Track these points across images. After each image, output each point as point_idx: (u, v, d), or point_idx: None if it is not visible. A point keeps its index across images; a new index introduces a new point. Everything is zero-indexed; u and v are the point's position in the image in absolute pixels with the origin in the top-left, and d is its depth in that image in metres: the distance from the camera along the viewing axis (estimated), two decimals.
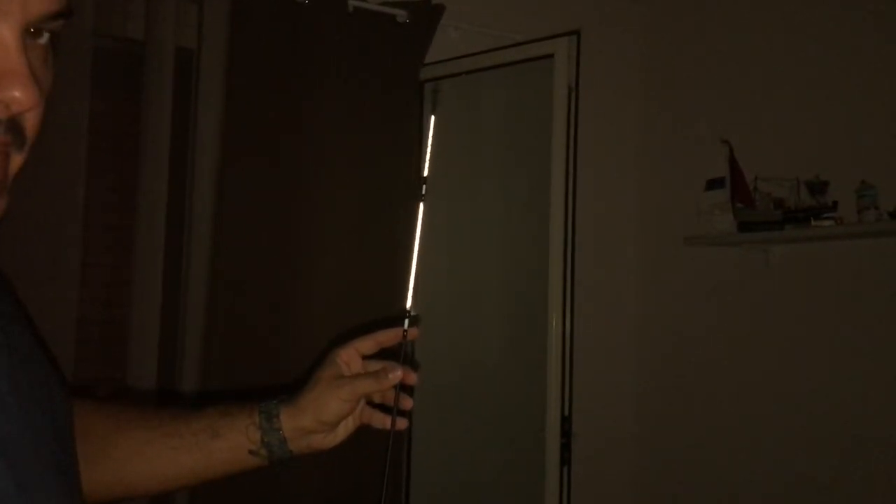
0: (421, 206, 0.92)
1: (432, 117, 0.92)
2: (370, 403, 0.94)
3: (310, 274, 2.19)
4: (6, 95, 0.51)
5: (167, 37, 2.04)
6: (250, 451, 0.86)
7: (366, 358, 0.93)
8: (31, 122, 0.54)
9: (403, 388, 0.92)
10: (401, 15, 2.32)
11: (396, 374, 0.89)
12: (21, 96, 0.51)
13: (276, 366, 2.11)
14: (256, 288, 2.13)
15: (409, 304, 0.93)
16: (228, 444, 0.86)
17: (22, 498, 0.55)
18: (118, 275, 2.12)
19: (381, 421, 0.93)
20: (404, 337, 0.92)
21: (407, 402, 0.92)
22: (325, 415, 0.88)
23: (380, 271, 2.26)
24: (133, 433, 0.83)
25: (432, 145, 0.91)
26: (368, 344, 0.93)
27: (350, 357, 0.92)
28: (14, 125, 0.53)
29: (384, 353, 0.95)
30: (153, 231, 2.01)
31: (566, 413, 2.14)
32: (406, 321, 0.91)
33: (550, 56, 2.22)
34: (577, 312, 2.18)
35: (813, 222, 2.08)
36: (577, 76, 2.20)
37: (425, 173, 0.93)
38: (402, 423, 0.92)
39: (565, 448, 2.14)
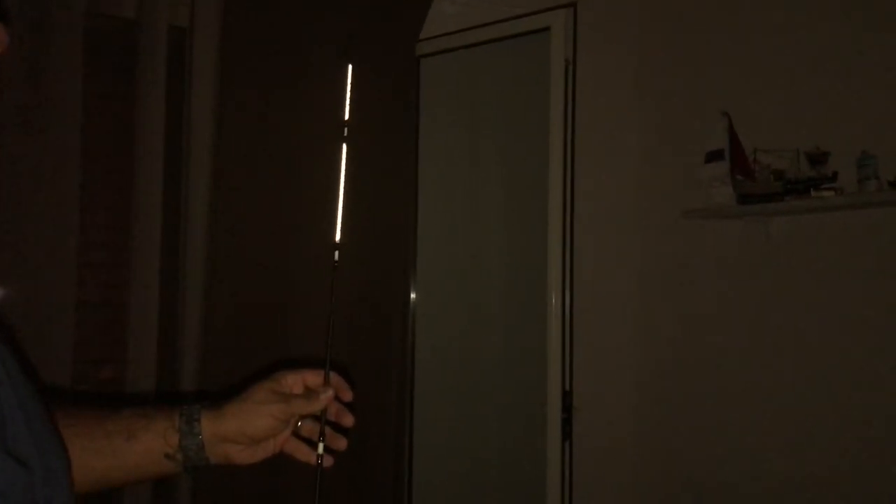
0: (343, 147, 1.00)
1: (350, 66, 0.99)
2: (297, 436, 0.93)
3: (308, 255, 2.18)
4: None
5: (160, 16, 2.02)
6: (166, 455, 0.84)
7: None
8: None
9: (338, 428, 0.92)
10: None
11: (328, 394, 0.90)
12: None
13: (276, 346, 2.11)
14: (254, 268, 2.12)
15: (337, 237, 0.99)
16: (143, 447, 0.83)
17: (41, 459, 0.59)
18: (116, 257, 2.12)
19: (306, 455, 0.91)
20: (327, 370, 0.93)
21: (340, 443, 0.93)
22: (250, 427, 0.87)
23: (384, 252, 2.25)
24: None
25: (351, 92, 1.00)
26: (317, 380, 0.93)
27: (295, 381, 0.92)
28: None
29: None
30: (150, 211, 2.00)
31: (567, 388, 2.15)
32: (328, 369, 0.93)
33: (547, 29, 2.20)
34: (576, 287, 2.18)
35: (813, 193, 2.07)
36: (575, 49, 2.18)
37: (346, 117, 1.01)
38: (328, 461, 0.91)
39: (566, 422, 2.15)
